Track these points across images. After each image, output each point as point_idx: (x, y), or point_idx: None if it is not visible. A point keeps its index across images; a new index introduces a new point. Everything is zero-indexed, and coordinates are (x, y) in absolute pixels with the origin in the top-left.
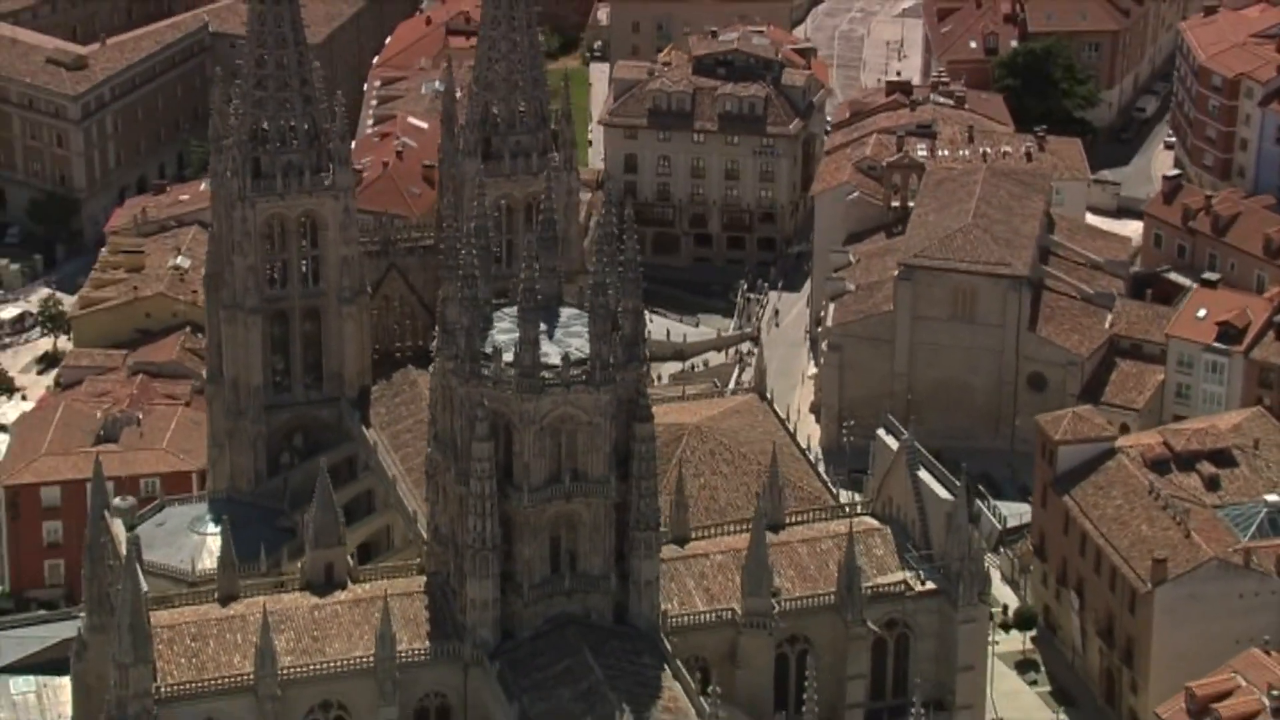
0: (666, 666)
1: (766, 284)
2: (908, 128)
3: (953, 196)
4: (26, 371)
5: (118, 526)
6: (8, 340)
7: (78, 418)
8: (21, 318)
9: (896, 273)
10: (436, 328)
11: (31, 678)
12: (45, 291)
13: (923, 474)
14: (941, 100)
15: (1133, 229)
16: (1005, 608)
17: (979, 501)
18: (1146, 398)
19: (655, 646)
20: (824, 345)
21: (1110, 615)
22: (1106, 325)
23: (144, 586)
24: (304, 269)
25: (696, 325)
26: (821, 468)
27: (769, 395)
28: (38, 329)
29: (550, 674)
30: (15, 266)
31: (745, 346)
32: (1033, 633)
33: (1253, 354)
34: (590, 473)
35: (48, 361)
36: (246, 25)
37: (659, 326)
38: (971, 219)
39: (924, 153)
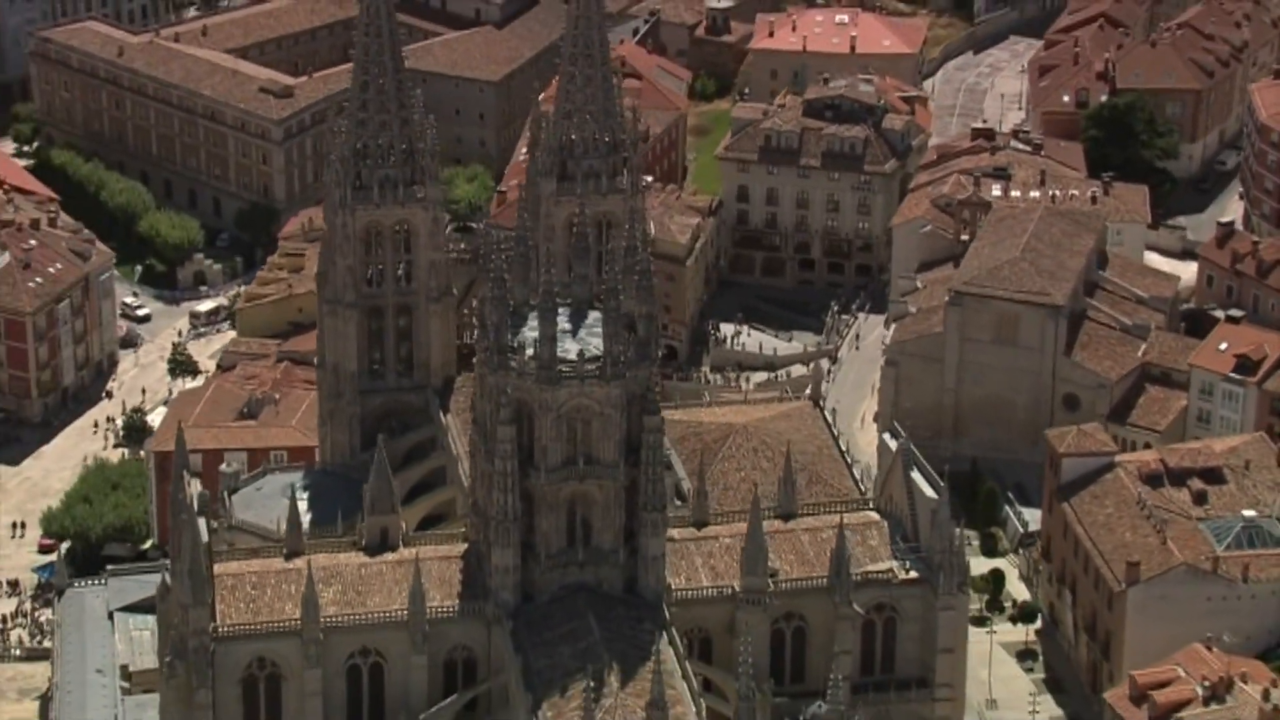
0: (665, 634)
1: (856, 306)
2: (985, 170)
3: (1009, 231)
4: (214, 357)
5: (194, 486)
6: (203, 330)
7: (226, 396)
8: (216, 310)
9: (947, 298)
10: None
11: (148, 617)
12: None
13: (915, 474)
14: (1019, 146)
15: (1194, 270)
16: (1014, 602)
17: (1007, 507)
18: (1169, 421)
19: (656, 615)
20: (883, 361)
21: (1094, 612)
22: (1139, 354)
23: (204, 538)
24: (398, 271)
25: (790, 340)
26: (875, 470)
27: (822, 403)
28: (228, 321)
29: (557, 634)
30: (218, 266)
31: (824, 361)
32: (1037, 625)
33: (1266, 385)
34: (602, 458)
35: None
36: (354, 56)
37: (754, 340)
38: (1020, 252)
39: (997, 192)
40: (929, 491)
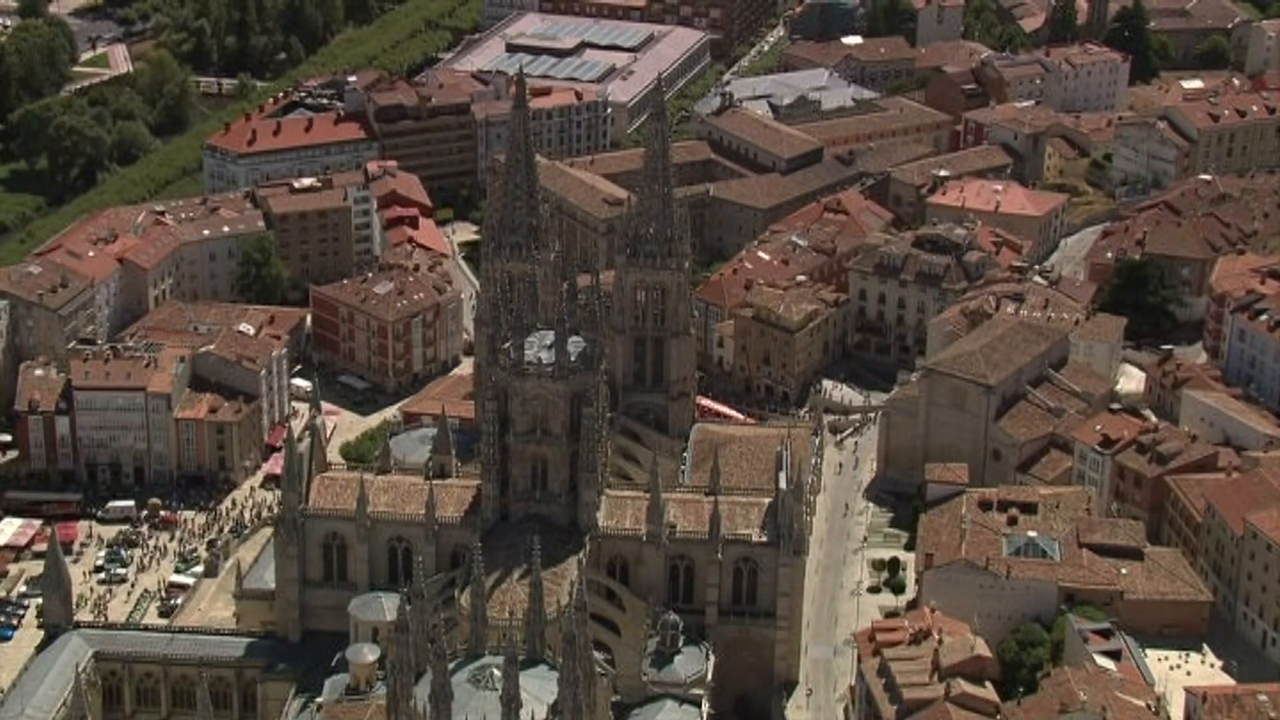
0: (580, 556)
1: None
2: (1007, 293)
3: (985, 333)
4: None
5: (319, 423)
6: None
7: (463, 383)
8: None
9: (921, 373)
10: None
11: None
12: None
13: (781, 475)
14: (1039, 280)
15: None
16: (900, 580)
17: None
18: (1056, 475)
19: (579, 542)
20: (880, 414)
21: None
22: (1050, 428)
23: (299, 450)
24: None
25: (865, 397)
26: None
27: (819, 433)
28: None
29: (505, 543)
30: None
31: (874, 413)
32: (911, 596)
33: (1117, 457)
34: (553, 431)
35: None
36: (504, 158)
37: (842, 393)
38: (978, 348)
39: (1010, 310)
40: (783, 485)
